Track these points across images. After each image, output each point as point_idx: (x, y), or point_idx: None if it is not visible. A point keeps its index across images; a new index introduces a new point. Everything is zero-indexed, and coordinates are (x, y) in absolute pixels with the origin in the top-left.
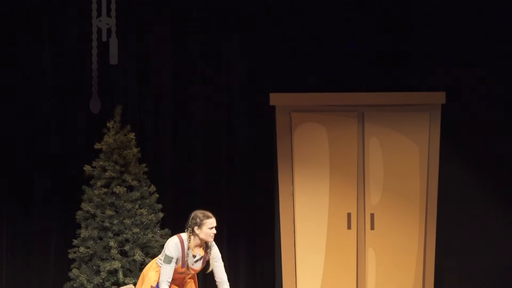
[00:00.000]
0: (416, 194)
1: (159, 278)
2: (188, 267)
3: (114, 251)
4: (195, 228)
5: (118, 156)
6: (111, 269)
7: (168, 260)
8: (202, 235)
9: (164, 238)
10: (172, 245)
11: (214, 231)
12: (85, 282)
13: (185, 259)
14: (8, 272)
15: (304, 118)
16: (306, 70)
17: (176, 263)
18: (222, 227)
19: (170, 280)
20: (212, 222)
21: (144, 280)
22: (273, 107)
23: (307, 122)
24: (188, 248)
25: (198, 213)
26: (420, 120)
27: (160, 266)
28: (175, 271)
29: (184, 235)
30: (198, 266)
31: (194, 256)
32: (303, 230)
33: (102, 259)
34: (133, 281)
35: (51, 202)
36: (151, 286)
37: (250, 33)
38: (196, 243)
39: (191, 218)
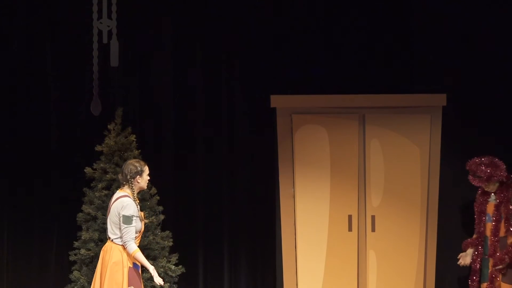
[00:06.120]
0: (417, 196)
1: (130, 255)
2: (142, 219)
3: None
4: (138, 178)
5: (119, 158)
6: None
7: (129, 221)
8: (142, 183)
9: (165, 240)
10: (128, 204)
11: (149, 177)
12: (86, 284)
13: (139, 211)
14: (9, 274)
15: (305, 120)
16: (307, 72)
17: (135, 220)
18: (223, 228)
19: (134, 238)
20: (147, 168)
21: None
22: (274, 109)
23: (308, 124)
24: (135, 199)
25: (134, 162)
26: (421, 122)
27: (121, 244)
28: (141, 230)
29: (126, 192)
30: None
31: (137, 205)
32: (304, 232)
33: None
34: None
35: (52, 204)
36: (129, 267)
37: (251, 35)
38: (136, 193)
39: (128, 170)
